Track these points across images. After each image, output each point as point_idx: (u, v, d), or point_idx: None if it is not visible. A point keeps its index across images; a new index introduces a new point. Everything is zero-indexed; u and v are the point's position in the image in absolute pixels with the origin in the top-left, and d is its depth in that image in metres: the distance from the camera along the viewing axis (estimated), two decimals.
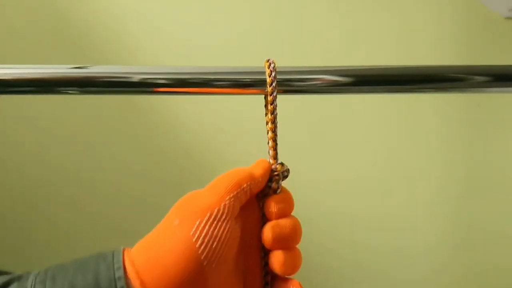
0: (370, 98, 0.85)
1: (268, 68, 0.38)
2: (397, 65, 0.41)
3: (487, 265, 0.88)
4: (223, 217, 0.33)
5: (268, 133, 0.37)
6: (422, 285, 0.90)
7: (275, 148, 0.38)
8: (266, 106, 0.38)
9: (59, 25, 0.86)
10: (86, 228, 0.91)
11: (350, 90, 0.40)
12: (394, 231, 0.89)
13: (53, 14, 0.86)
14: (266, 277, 0.36)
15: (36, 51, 0.87)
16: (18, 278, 0.32)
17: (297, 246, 0.36)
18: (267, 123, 0.38)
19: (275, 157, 0.38)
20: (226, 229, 0.32)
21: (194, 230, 0.32)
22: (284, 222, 0.35)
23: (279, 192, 0.37)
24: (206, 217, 0.32)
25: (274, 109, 0.37)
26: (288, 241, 0.35)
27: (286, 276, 0.36)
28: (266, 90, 0.38)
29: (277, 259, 0.35)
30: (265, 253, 0.36)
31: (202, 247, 0.31)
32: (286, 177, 0.37)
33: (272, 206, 0.36)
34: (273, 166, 0.37)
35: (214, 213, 0.32)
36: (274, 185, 0.36)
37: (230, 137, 0.88)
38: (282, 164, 0.37)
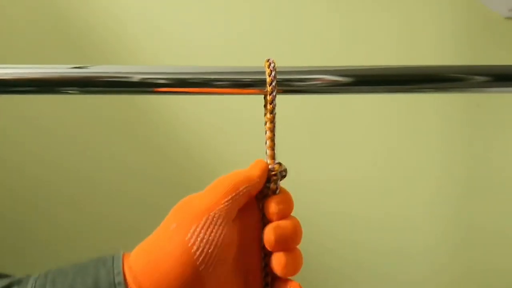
0: (370, 98, 0.85)
1: (268, 67, 0.38)
2: (397, 65, 0.40)
3: (487, 265, 0.88)
4: (219, 221, 0.33)
5: (266, 132, 0.37)
6: (422, 285, 0.90)
7: (273, 148, 0.38)
8: (265, 106, 0.38)
9: (59, 25, 0.86)
10: (86, 228, 0.91)
11: (350, 90, 0.40)
12: (394, 231, 0.89)
13: (53, 14, 0.86)
14: (266, 278, 0.36)
15: (36, 51, 0.87)
16: (18, 282, 0.32)
17: (298, 246, 0.36)
18: (265, 122, 0.38)
19: (273, 157, 0.38)
20: (223, 233, 0.32)
21: (190, 235, 0.32)
22: (285, 223, 0.35)
23: (278, 193, 0.37)
24: (202, 222, 0.32)
25: (273, 108, 0.37)
26: (289, 242, 0.35)
27: (287, 277, 0.36)
28: (266, 90, 0.38)
29: (278, 261, 0.35)
30: (265, 254, 0.36)
31: (198, 252, 0.31)
32: (284, 177, 0.37)
33: (272, 207, 0.35)
34: (270, 166, 0.37)
35: (210, 218, 0.32)
36: (272, 185, 0.36)
37: (230, 137, 0.88)
38: (280, 164, 0.37)
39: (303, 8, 0.84)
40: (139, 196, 0.90)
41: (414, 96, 0.84)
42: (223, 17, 0.85)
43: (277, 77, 0.38)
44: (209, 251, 0.32)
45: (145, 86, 0.38)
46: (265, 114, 0.38)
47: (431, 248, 0.89)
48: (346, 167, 0.87)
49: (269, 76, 0.37)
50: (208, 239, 0.32)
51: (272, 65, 0.38)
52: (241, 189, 0.34)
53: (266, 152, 0.38)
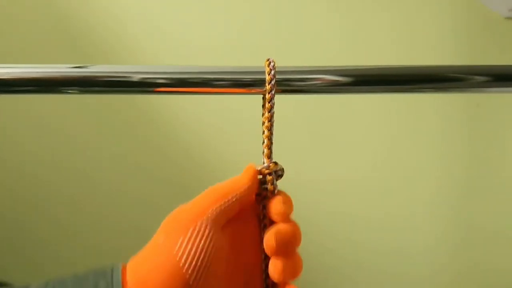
0: (369, 98, 0.85)
1: (268, 66, 0.38)
2: (397, 65, 0.40)
3: (487, 265, 0.88)
4: (206, 231, 0.32)
5: (264, 131, 0.37)
6: (422, 285, 0.90)
7: (269, 147, 0.37)
8: (263, 105, 0.38)
9: (59, 25, 0.86)
10: (86, 228, 0.91)
11: (349, 90, 0.40)
12: (394, 231, 0.89)
13: (53, 14, 0.86)
14: (267, 280, 0.36)
15: (36, 51, 0.87)
16: None
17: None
18: (263, 122, 0.37)
19: (269, 156, 0.37)
20: (211, 244, 0.32)
21: (178, 248, 0.32)
22: (285, 228, 0.35)
23: (276, 193, 0.36)
24: (189, 234, 0.32)
25: (272, 107, 0.37)
26: (289, 247, 0.34)
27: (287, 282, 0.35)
28: (265, 89, 0.38)
29: (275, 267, 0.34)
30: (266, 255, 0.36)
31: (187, 265, 0.31)
32: (280, 176, 0.37)
33: (274, 208, 0.35)
34: (265, 165, 0.37)
35: (197, 229, 0.32)
36: (270, 186, 0.36)
37: (230, 137, 0.88)
38: (275, 163, 0.37)
39: (303, 8, 0.84)
40: (139, 196, 0.90)
41: (414, 96, 0.84)
42: (223, 17, 0.85)
43: (277, 76, 0.38)
44: (198, 264, 0.31)
45: (145, 86, 0.38)
46: (263, 114, 0.38)
47: (431, 248, 0.88)
48: (346, 167, 0.87)
49: (269, 75, 0.37)
50: (196, 251, 0.31)
51: (272, 64, 0.38)
52: (229, 197, 0.34)
53: (263, 151, 0.38)
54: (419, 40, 0.83)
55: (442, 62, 0.81)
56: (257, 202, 0.37)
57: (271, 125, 0.37)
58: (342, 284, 0.91)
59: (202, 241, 0.32)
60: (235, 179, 0.36)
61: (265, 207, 0.36)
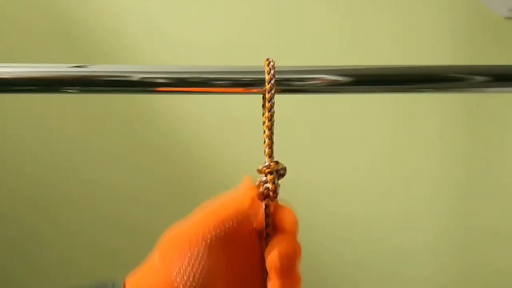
0: (369, 98, 0.85)
1: (268, 66, 0.38)
2: (396, 65, 0.40)
3: (487, 265, 0.88)
4: (204, 256, 0.32)
5: (264, 131, 0.37)
6: (421, 284, 0.90)
7: (270, 146, 0.37)
8: (263, 105, 0.38)
9: (59, 25, 0.86)
10: (86, 228, 0.91)
11: (349, 90, 0.40)
12: (394, 231, 0.89)
13: (53, 14, 0.86)
14: None
15: (36, 51, 0.87)
16: None
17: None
18: (264, 122, 0.38)
19: (271, 155, 0.37)
20: (209, 268, 0.32)
21: (176, 274, 0.31)
22: (292, 250, 0.34)
23: (281, 207, 0.36)
24: (187, 259, 0.32)
25: (272, 107, 0.37)
26: (292, 268, 0.34)
27: None
28: (265, 89, 0.38)
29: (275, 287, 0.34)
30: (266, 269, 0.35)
31: None
32: (282, 175, 0.37)
33: (280, 227, 0.35)
34: (266, 164, 0.37)
35: (195, 254, 0.32)
36: (271, 185, 0.36)
37: (230, 137, 0.88)
38: (277, 162, 0.37)
39: (303, 8, 0.84)
40: (139, 196, 0.90)
41: (414, 96, 0.84)
42: (223, 17, 0.85)
43: (276, 76, 0.38)
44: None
45: (145, 86, 0.38)
46: (264, 113, 0.38)
47: (430, 248, 0.88)
48: (346, 167, 0.87)
49: (268, 74, 0.38)
50: (194, 277, 0.31)
51: (271, 63, 0.38)
52: (229, 222, 0.33)
53: (264, 151, 0.38)
54: (419, 40, 0.83)
55: (442, 62, 0.81)
56: (258, 199, 0.37)
57: (272, 125, 0.37)
58: (342, 284, 0.91)
59: (201, 267, 0.31)
60: (234, 198, 0.35)
61: (268, 215, 0.36)
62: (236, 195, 0.35)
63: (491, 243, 0.87)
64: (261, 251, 0.35)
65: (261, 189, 0.36)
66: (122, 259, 0.91)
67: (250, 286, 0.35)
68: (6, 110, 0.89)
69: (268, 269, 0.34)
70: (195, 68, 0.38)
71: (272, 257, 0.33)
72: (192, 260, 0.31)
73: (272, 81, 0.37)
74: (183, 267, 0.31)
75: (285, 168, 0.37)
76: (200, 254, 0.32)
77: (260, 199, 0.36)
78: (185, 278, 0.31)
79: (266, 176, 0.36)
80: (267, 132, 0.37)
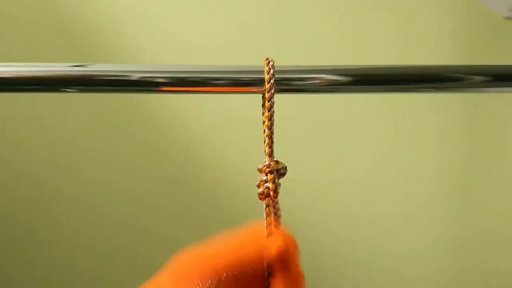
0: (369, 98, 0.85)
1: (267, 65, 0.38)
2: (396, 65, 0.40)
3: (487, 265, 0.88)
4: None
5: (264, 130, 0.38)
6: (421, 284, 0.90)
7: (270, 146, 0.38)
8: (263, 105, 0.38)
9: (59, 25, 0.86)
10: (86, 228, 0.91)
11: (349, 90, 0.40)
12: (394, 231, 0.89)
13: (53, 14, 0.86)
14: None
15: (36, 51, 0.87)
16: None
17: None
18: (264, 121, 0.38)
19: (271, 154, 0.38)
20: None
21: None
22: (295, 281, 0.33)
23: (279, 191, 0.36)
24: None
25: (271, 106, 0.37)
26: None
27: None
28: (264, 89, 0.38)
29: None
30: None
31: None
32: (283, 175, 0.37)
33: (284, 265, 0.33)
34: (266, 163, 0.37)
35: (206, 286, 0.31)
36: (271, 185, 0.36)
37: (229, 137, 0.88)
38: (277, 161, 0.37)
39: (303, 8, 0.84)
40: (139, 195, 0.90)
41: (413, 96, 0.84)
42: (223, 16, 0.85)
43: (276, 75, 0.38)
44: None
45: (144, 85, 0.38)
46: (263, 113, 0.38)
47: (430, 248, 0.89)
48: (346, 167, 0.87)
49: (268, 74, 0.38)
50: None
51: (271, 63, 0.38)
52: (244, 269, 0.32)
53: (264, 150, 0.38)
54: (419, 40, 0.83)
55: (442, 62, 0.82)
56: (259, 199, 0.37)
57: (271, 124, 0.38)
58: (342, 284, 0.91)
59: None
60: (258, 240, 0.34)
61: (268, 215, 0.36)
62: (261, 238, 0.35)
63: (491, 243, 0.87)
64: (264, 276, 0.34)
65: (261, 189, 0.36)
66: (122, 259, 0.91)
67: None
68: (6, 109, 0.89)
69: None
70: (194, 67, 0.38)
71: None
72: None
73: (272, 81, 0.37)
74: None
75: (285, 167, 0.37)
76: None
77: (260, 199, 0.37)
78: None
79: (266, 175, 0.36)
80: (267, 131, 0.37)
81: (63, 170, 0.90)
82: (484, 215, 0.87)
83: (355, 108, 0.86)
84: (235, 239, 0.34)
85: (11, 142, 0.90)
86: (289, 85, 0.38)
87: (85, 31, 0.86)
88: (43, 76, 0.37)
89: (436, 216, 0.88)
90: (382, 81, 0.40)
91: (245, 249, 0.33)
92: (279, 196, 0.36)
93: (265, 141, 0.38)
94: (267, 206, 0.36)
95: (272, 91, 0.37)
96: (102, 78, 0.37)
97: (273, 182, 0.36)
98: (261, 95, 0.38)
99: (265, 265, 0.33)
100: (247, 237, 0.34)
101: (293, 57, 0.84)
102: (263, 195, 0.36)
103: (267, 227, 0.36)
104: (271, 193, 0.36)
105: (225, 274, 0.32)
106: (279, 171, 0.37)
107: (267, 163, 0.37)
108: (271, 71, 0.38)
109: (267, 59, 0.38)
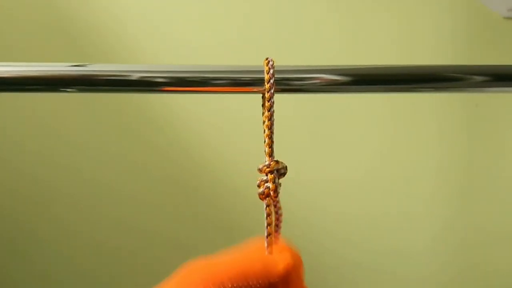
0: (369, 98, 0.85)
1: (267, 65, 0.38)
2: (396, 65, 0.40)
3: (487, 265, 0.88)
4: None
5: (264, 130, 0.38)
6: (421, 284, 0.90)
7: (270, 146, 0.38)
8: (263, 105, 0.38)
9: (59, 25, 0.86)
10: (86, 228, 0.91)
11: (348, 90, 0.40)
12: (394, 231, 0.89)
13: (53, 14, 0.86)
14: None
15: (36, 51, 0.87)
16: None
17: None
18: (264, 121, 0.38)
19: (271, 154, 0.38)
20: None
21: None
22: None
23: (279, 191, 0.36)
24: None
25: (271, 106, 0.38)
26: None
27: None
28: (264, 88, 0.38)
29: None
30: None
31: None
32: (283, 174, 0.37)
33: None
34: (266, 163, 0.37)
35: None
36: (271, 185, 0.36)
37: (230, 137, 0.88)
38: (277, 161, 0.37)
39: (303, 8, 0.84)
40: (139, 195, 0.90)
41: (413, 95, 0.84)
42: (223, 17, 0.85)
43: (276, 75, 0.38)
44: None
45: (144, 85, 0.38)
46: (263, 113, 0.38)
47: (430, 248, 0.89)
48: (346, 167, 0.87)
49: (267, 74, 0.38)
50: None
51: (271, 63, 0.38)
52: (249, 283, 0.32)
53: (264, 150, 0.38)
54: (419, 40, 0.83)
55: (442, 62, 0.82)
56: (259, 199, 0.37)
57: (271, 124, 0.38)
58: (342, 284, 0.91)
59: None
60: (266, 257, 0.34)
61: (269, 215, 0.36)
62: (269, 255, 0.35)
63: (491, 243, 0.87)
64: None
65: (261, 189, 0.36)
66: (122, 259, 0.91)
67: None
68: (5, 109, 0.89)
69: None
70: (194, 67, 0.38)
71: None
72: None
73: (272, 81, 0.38)
74: None
75: (285, 167, 0.37)
76: None
77: (261, 199, 0.37)
78: None
79: (266, 175, 0.36)
80: (267, 131, 0.38)
81: (63, 170, 0.90)
82: (484, 215, 0.87)
83: (355, 108, 0.86)
84: (242, 252, 0.34)
85: (11, 142, 0.90)
86: (289, 85, 0.38)
87: (85, 31, 0.86)
88: (43, 76, 0.37)
89: (436, 216, 0.88)
90: (382, 81, 0.40)
91: (252, 263, 0.33)
92: (279, 196, 0.37)
93: (265, 141, 0.38)
94: (268, 206, 0.36)
95: (272, 91, 0.38)
96: (102, 78, 0.37)
97: (274, 182, 0.36)
98: (261, 95, 0.38)
99: (270, 280, 0.32)
100: (254, 251, 0.35)
101: (293, 57, 0.84)
102: (264, 195, 0.36)
103: (268, 235, 0.36)
104: (272, 193, 0.36)
105: (230, 286, 0.32)
106: (279, 171, 0.37)
107: (267, 163, 0.37)
108: (271, 71, 0.38)
109: (266, 59, 0.38)
